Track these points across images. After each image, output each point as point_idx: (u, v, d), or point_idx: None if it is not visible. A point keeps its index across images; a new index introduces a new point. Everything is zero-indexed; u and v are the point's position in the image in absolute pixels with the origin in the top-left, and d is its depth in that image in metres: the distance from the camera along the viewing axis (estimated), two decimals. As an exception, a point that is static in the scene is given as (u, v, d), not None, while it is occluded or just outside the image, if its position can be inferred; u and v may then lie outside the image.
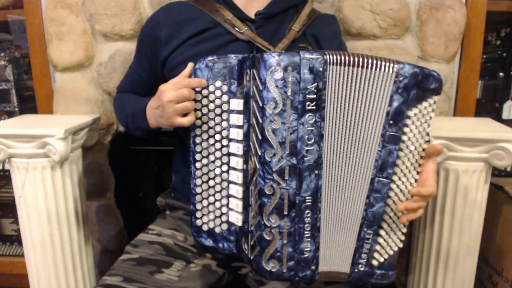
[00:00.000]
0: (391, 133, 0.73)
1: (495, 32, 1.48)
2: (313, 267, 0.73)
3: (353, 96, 0.71)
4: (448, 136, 1.06)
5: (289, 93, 0.67)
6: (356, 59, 0.70)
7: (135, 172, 1.55)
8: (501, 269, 1.31)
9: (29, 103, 1.59)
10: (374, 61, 0.71)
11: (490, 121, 1.21)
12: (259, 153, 0.70)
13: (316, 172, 0.70)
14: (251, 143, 0.72)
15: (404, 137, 0.74)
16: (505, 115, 1.53)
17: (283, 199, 0.70)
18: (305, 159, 0.69)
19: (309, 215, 0.71)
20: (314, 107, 0.68)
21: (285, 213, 0.70)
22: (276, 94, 0.67)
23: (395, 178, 0.75)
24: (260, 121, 0.69)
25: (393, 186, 0.75)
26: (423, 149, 0.76)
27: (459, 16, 1.22)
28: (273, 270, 0.71)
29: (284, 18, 0.94)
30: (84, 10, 1.30)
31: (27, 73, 1.58)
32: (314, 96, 0.68)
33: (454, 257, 1.13)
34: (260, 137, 0.69)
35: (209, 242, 0.80)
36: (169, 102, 0.75)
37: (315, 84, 0.67)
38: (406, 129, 0.74)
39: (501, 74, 1.51)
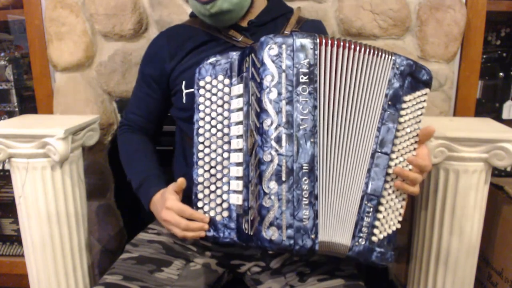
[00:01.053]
0: (390, 112, 0.80)
1: (495, 32, 1.48)
2: (312, 236, 0.74)
3: (348, 74, 0.77)
4: (448, 136, 1.06)
5: (283, 67, 0.73)
6: (346, 43, 0.77)
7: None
8: (501, 269, 1.31)
9: (29, 103, 1.59)
10: (372, 49, 0.79)
11: (490, 121, 1.21)
12: (258, 125, 0.74)
13: (312, 140, 0.74)
14: (250, 120, 0.77)
15: (401, 119, 0.81)
16: (505, 115, 1.53)
17: (281, 165, 0.72)
18: (300, 127, 0.73)
19: (306, 182, 0.74)
20: (307, 80, 0.74)
21: (283, 179, 0.72)
22: (273, 68, 0.73)
23: (393, 156, 0.81)
24: (259, 95, 0.74)
25: (392, 163, 0.80)
26: (417, 135, 0.82)
27: (459, 16, 1.22)
28: (273, 238, 0.72)
29: (274, 26, 1.00)
30: (84, 10, 1.30)
31: (27, 73, 1.58)
32: (307, 70, 0.74)
33: (454, 257, 1.13)
34: (258, 110, 0.74)
35: (209, 232, 0.81)
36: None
37: (307, 60, 0.74)
38: (402, 112, 0.81)
39: (501, 74, 1.51)
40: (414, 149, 0.83)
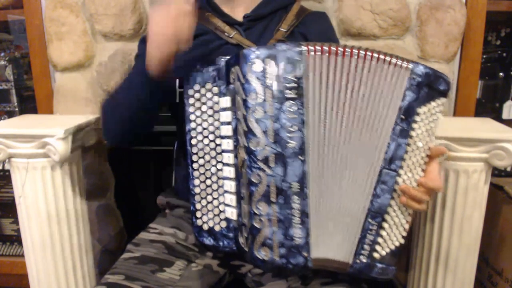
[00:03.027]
0: (402, 127, 0.75)
1: (495, 32, 1.48)
2: (305, 254, 0.73)
3: (349, 85, 0.73)
4: (448, 136, 1.06)
5: (268, 83, 0.70)
6: (338, 49, 0.72)
7: (135, 172, 1.55)
8: (501, 269, 1.31)
9: (29, 103, 1.59)
10: (380, 56, 0.73)
11: (490, 121, 1.21)
12: (246, 144, 0.72)
13: (301, 158, 0.72)
14: (238, 136, 0.75)
15: (413, 133, 0.76)
16: (505, 115, 1.53)
17: (270, 186, 0.71)
18: (288, 145, 0.71)
19: (297, 201, 0.72)
20: (295, 95, 0.71)
21: (273, 200, 0.71)
22: (257, 85, 0.70)
23: (401, 172, 0.76)
24: (245, 113, 0.72)
25: (399, 180, 0.77)
26: (429, 148, 0.78)
27: (459, 16, 1.22)
28: (266, 258, 0.72)
29: (272, 19, 0.97)
30: (84, 10, 1.30)
31: (27, 73, 1.58)
32: (294, 84, 0.71)
33: (454, 257, 1.13)
34: (245, 129, 0.72)
35: (209, 241, 0.81)
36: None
37: (294, 73, 0.70)
38: (415, 126, 0.76)
39: (501, 74, 1.51)
40: (425, 163, 0.78)
